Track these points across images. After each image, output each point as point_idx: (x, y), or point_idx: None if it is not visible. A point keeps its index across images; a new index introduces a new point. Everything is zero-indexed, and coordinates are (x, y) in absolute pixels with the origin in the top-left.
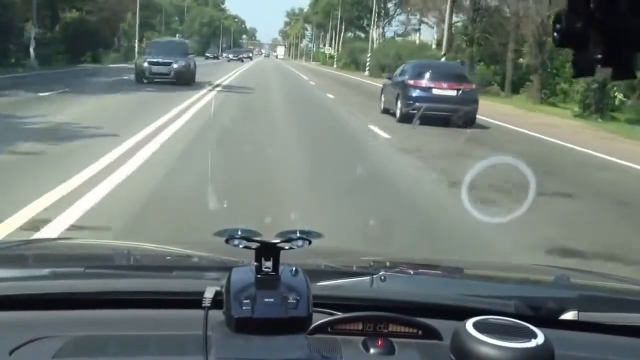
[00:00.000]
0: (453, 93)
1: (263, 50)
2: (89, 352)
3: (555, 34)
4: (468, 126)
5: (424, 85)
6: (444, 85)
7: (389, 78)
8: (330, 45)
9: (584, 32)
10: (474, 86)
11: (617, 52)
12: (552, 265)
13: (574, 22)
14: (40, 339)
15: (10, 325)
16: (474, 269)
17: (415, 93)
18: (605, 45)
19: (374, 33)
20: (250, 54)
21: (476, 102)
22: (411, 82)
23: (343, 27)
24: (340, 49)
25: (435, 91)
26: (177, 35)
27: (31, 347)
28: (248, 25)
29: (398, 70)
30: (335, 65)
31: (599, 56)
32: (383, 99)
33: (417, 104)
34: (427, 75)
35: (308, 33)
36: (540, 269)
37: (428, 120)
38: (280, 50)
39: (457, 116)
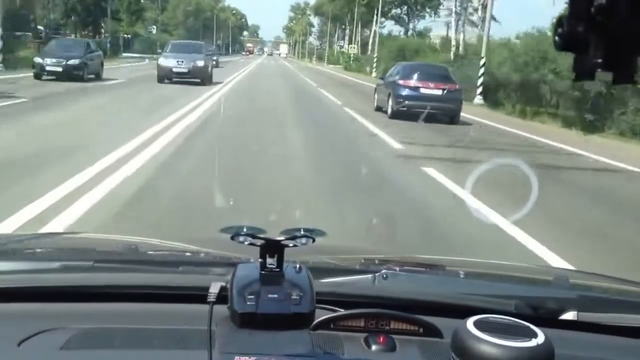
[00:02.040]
0: (439, 92)
1: (265, 49)
2: (96, 344)
3: (556, 38)
4: (452, 122)
5: (412, 85)
6: (431, 85)
7: (382, 79)
8: (351, 43)
9: (586, 36)
10: (457, 86)
11: (617, 56)
12: (553, 266)
13: (576, 26)
14: (49, 330)
15: (20, 316)
16: (475, 268)
17: (404, 92)
18: (606, 49)
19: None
20: (215, 58)
21: (460, 101)
22: (401, 82)
23: (377, 17)
24: (375, 47)
25: (422, 90)
26: (154, 26)
27: (40, 338)
28: (250, 22)
29: (390, 71)
30: (374, 73)
31: (600, 60)
32: (376, 97)
33: (406, 102)
34: (416, 75)
35: (314, 29)
36: (540, 269)
37: (414, 116)
38: (284, 49)
39: (441, 113)
